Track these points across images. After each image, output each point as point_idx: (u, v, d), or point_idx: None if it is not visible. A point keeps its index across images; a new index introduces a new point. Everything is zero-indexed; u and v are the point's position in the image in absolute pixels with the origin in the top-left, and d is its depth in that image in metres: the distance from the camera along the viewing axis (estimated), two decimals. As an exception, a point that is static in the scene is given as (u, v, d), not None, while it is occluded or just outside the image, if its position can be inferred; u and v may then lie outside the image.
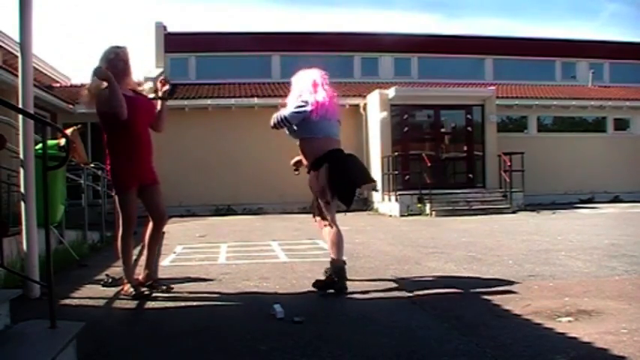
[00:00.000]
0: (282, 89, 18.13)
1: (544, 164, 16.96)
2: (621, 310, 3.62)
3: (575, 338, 3.03)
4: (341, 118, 4.80)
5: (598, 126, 19.17)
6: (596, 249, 6.61)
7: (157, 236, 4.67)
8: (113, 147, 4.34)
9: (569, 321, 3.41)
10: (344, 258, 4.50)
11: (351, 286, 4.56)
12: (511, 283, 4.66)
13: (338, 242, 4.47)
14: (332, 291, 4.34)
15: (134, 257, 4.61)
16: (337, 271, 4.41)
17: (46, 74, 18.74)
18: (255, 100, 16.75)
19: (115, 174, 4.39)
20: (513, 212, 13.64)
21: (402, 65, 20.58)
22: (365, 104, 16.87)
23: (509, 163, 15.07)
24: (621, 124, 19.13)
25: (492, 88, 16.73)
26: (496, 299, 4.04)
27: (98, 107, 4.26)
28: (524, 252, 6.54)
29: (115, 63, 4.30)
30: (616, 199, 17.76)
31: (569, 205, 15.94)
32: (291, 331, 3.33)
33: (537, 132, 18.59)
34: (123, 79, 4.34)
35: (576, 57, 21.57)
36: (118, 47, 4.36)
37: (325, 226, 4.56)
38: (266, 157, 15.33)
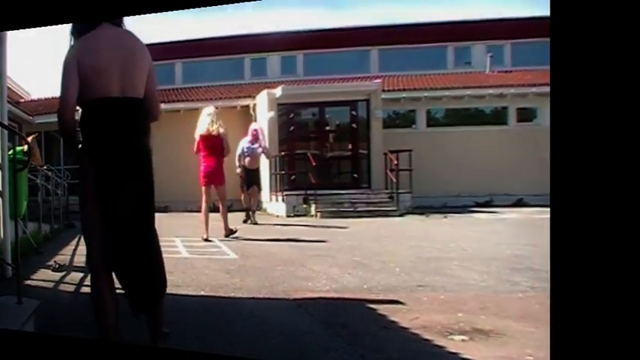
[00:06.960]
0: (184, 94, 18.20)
1: (435, 163, 17.04)
2: (526, 334, 3.54)
3: (469, 360, 2.94)
4: None
5: (498, 117, 18.89)
6: (495, 260, 6.50)
7: None
8: None
9: (463, 340, 3.40)
10: None
11: (241, 284, 5.21)
12: (398, 292, 4.71)
13: None
14: None
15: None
16: None
17: (14, 91, 18.94)
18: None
19: None
20: (400, 215, 14.01)
21: (289, 63, 20.72)
22: (254, 105, 17.14)
23: (395, 162, 15.32)
24: (526, 115, 18.65)
25: (378, 81, 17.06)
26: (382, 309, 4.11)
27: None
28: (411, 259, 6.54)
29: None
30: (519, 203, 17.03)
31: (463, 209, 15.80)
32: None
33: (427, 127, 18.69)
34: None
35: (471, 40, 21.18)
36: None
37: None
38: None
